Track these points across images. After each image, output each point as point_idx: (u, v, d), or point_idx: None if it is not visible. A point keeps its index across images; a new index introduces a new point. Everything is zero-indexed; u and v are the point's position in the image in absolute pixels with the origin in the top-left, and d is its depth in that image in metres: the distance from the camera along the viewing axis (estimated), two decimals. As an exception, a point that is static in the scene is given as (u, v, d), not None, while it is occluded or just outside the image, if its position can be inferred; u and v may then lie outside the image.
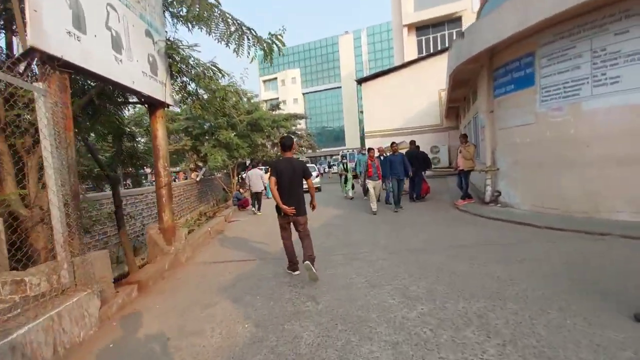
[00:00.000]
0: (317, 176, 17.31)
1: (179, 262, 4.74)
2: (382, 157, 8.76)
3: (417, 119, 17.29)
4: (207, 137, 15.84)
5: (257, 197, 10.06)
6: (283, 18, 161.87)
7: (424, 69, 17.19)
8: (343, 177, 11.73)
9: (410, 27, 21.54)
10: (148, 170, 22.90)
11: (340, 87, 54.47)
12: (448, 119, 16.62)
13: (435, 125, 16.79)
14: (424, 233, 5.58)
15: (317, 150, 33.84)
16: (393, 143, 9.16)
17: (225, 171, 17.83)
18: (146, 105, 4.87)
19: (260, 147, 26.19)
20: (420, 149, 9.75)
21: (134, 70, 4.02)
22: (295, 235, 3.97)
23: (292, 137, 6.07)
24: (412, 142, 9.62)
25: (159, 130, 4.64)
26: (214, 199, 20.35)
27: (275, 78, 58.52)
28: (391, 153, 8.36)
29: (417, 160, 8.69)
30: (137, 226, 10.39)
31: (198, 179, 17.57)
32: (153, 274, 4.13)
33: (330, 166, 34.46)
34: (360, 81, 18.07)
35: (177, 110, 16.79)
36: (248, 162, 17.06)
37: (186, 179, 17.80)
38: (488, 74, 7.40)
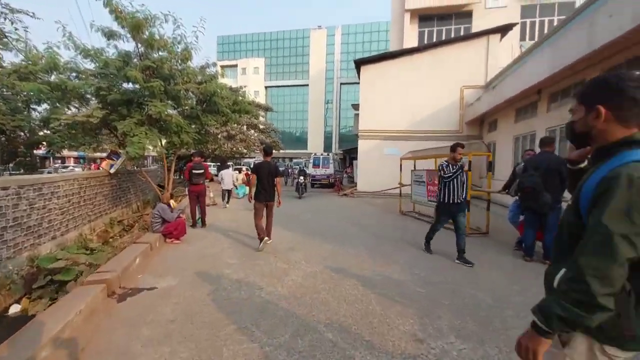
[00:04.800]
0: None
1: None
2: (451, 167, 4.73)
3: (431, 121, 13.51)
4: (132, 109, 10.12)
5: (228, 193, 11.67)
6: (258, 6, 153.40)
7: (443, 58, 13.51)
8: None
9: (413, 13, 17.99)
10: (41, 150, 15.38)
11: (307, 85, 50.07)
12: (470, 125, 13.06)
13: (453, 131, 13.10)
14: None
15: (281, 151, 28.71)
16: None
17: (168, 164, 11.85)
18: None
19: (212, 138, 20.07)
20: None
21: None
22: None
23: (272, 146, 7.09)
24: (548, 141, 4.90)
25: None
26: (138, 201, 14.25)
27: (236, 65, 52.02)
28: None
29: (552, 175, 4.43)
30: None
31: (112, 171, 11.44)
32: None
33: (289, 173, 22.30)
34: (360, 63, 13.74)
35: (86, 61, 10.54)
36: (193, 151, 11.24)
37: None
38: None
